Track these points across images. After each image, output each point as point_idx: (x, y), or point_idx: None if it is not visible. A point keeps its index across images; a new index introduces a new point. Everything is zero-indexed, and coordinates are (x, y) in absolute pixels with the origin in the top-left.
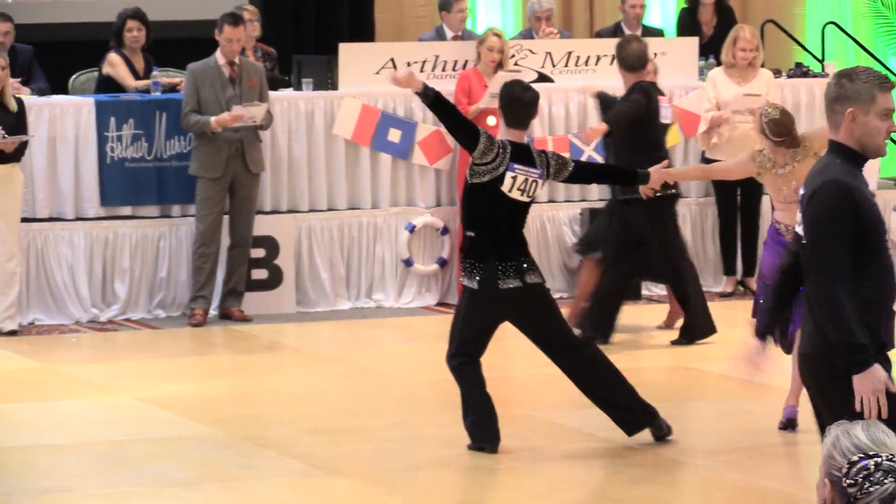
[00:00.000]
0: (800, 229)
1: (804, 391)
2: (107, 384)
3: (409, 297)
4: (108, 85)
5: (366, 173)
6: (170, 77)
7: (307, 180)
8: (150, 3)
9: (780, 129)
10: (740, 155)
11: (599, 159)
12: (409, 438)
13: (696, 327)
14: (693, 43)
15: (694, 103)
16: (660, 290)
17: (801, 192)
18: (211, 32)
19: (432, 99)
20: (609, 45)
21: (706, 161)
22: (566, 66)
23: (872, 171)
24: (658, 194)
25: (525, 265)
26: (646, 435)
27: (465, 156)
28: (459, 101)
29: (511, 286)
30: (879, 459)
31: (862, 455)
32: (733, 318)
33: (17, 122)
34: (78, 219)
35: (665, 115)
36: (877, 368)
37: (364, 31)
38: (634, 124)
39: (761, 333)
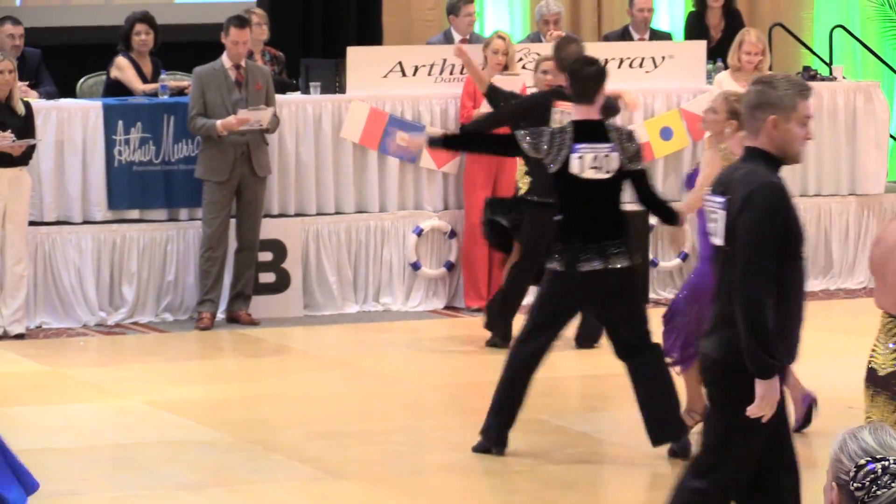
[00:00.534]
0: (716, 240)
1: (797, 393)
2: (114, 388)
3: (417, 301)
4: (115, 88)
5: (373, 177)
6: (178, 81)
7: (315, 184)
8: (158, 7)
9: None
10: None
11: None
12: (416, 442)
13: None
14: (701, 46)
15: (701, 107)
16: (668, 294)
17: (719, 197)
18: (219, 36)
19: (443, 141)
20: (617, 49)
21: None
22: None
23: (881, 175)
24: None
25: (610, 247)
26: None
27: (472, 158)
28: (465, 105)
29: (590, 269)
30: (887, 463)
31: (869, 459)
32: None
33: (24, 125)
34: (85, 222)
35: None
36: (777, 378)
37: (372, 35)
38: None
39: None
